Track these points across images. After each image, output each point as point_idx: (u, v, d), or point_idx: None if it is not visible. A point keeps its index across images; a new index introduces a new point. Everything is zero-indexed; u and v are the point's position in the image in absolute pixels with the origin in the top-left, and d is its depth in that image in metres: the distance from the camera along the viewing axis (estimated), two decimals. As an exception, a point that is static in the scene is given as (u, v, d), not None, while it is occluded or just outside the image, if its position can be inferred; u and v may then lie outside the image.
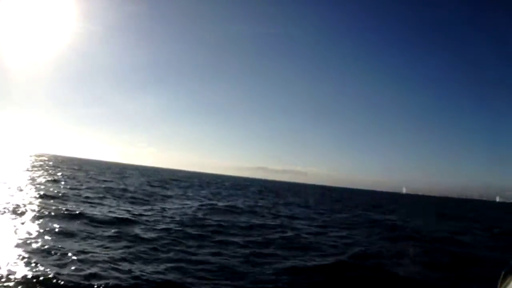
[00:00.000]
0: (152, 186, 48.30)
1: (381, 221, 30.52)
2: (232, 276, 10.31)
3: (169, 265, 10.57)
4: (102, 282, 8.33)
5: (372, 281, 11.46)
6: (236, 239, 15.32)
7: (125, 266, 9.90)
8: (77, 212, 17.07)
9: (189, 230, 16.28)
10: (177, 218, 19.38)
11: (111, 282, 8.40)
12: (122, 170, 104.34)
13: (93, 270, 9.07)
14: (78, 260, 9.71)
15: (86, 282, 8.20)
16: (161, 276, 9.43)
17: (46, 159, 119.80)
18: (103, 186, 35.91)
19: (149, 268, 10.01)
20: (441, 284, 12.08)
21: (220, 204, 30.40)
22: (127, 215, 18.65)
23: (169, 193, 38.87)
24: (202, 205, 27.29)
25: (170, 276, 9.57)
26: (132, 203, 25.11)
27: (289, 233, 18.35)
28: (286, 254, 13.43)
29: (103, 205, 21.75)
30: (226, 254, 12.61)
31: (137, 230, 15.08)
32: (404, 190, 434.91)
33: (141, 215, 19.60)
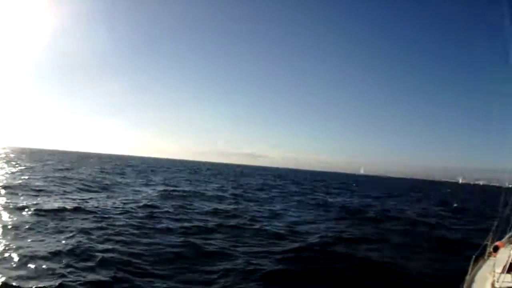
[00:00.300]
0: (108, 173, 47.47)
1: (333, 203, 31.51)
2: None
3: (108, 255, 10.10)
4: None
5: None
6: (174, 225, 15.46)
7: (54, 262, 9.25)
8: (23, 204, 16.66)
9: (136, 221, 15.57)
10: (127, 207, 18.80)
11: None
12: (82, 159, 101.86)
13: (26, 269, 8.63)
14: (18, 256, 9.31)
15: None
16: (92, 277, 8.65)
17: (9, 151, 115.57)
18: (56, 175, 34.67)
19: (81, 264, 9.37)
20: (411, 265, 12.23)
21: (170, 190, 30.14)
22: (73, 205, 17.87)
23: (128, 180, 37.44)
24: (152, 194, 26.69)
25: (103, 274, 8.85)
26: (84, 191, 24.62)
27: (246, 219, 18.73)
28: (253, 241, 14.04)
29: (52, 194, 21.31)
30: (162, 243, 12.31)
31: (80, 221, 14.59)
32: (362, 171, 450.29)
33: (86, 203, 18.99)
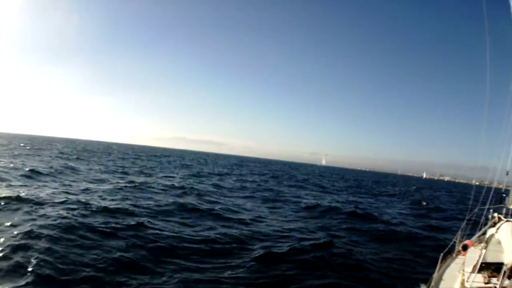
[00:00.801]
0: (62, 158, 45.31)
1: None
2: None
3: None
4: None
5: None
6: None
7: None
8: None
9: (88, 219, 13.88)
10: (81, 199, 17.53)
11: None
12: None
13: None
14: None
15: None
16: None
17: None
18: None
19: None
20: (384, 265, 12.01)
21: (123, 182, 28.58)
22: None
23: (81, 167, 35.52)
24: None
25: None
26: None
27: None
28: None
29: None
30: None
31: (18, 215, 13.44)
32: (323, 162, 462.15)
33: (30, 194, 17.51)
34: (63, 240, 10.94)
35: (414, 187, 79.95)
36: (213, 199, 23.40)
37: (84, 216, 14.09)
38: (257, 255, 11.59)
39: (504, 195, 9.31)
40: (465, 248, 8.36)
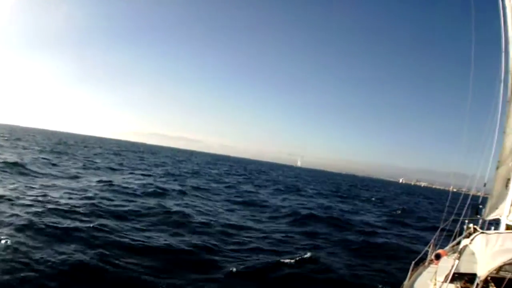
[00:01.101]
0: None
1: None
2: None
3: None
4: None
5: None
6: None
7: None
8: None
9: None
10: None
11: None
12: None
13: None
14: None
15: None
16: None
17: None
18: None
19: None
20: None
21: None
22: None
23: (55, 161, 34.24)
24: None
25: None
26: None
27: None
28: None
29: None
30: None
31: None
32: (299, 163, 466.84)
33: None
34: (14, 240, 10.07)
35: (392, 193, 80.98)
36: (184, 202, 22.39)
37: (39, 215, 13.09)
38: (229, 270, 10.61)
39: (480, 206, 9.07)
40: (438, 257, 8.15)
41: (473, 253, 4.90)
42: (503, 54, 8.03)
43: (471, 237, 5.20)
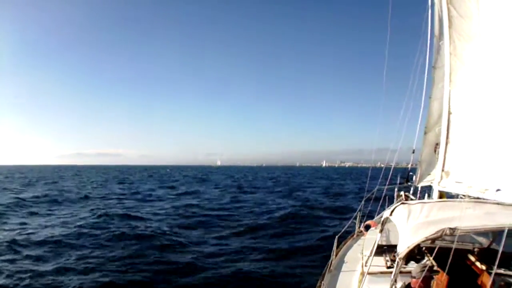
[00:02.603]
0: None
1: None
2: None
3: None
4: None
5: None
6: None
7: None
8: None
9: None
10: None
11: None
12: None
13: None
14: None
15: None
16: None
17: None
18: None
19: None
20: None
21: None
22: None
23: None
24: None
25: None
26: None
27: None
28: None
29: None
30: None
31: None
32: (218, 163, 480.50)
33: None
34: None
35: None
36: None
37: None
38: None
39: (411, 173, 9.05)
40: (367, 228, 7.92)
41: (394, 226, 4.31)
42: (428, 16, 7.76)
43: (391, 207, 4.59)
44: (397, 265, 3.73)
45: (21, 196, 30.24)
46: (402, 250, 3.62)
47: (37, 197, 29.90)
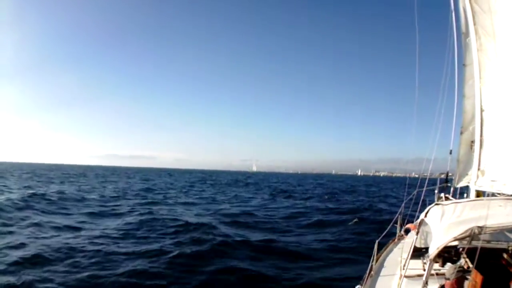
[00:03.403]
0: None
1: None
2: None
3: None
4: None
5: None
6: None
7: None
8: None
9: None
10: None
11: None
12: None
13: None
14: None
15: None
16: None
17: None
18: None
19: None
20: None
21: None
22: None
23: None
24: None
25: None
26: None
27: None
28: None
29: None
30: None
31: None
32: (254, 168, 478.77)
33: None
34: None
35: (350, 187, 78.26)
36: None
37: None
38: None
39: (450, 174, 8.78)
40: (407, 232, 7.77)
41: (429, 227, 4.26)
42: (452, 13, 7.65)
43: (426, 209, 4.52)
44: (429, 266, 3.71)
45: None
46: (432, 251, 3.60)
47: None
